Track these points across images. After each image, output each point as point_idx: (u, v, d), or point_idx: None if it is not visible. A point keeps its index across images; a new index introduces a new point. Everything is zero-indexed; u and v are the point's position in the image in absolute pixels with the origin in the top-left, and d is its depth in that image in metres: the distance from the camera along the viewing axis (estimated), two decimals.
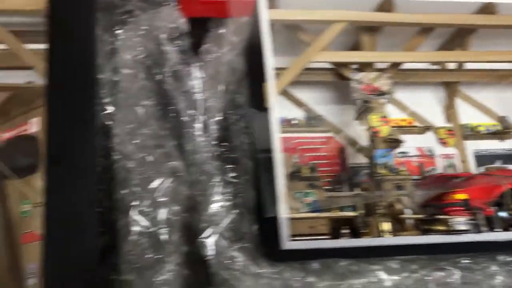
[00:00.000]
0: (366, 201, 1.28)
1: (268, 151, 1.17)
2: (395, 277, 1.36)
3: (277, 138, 1.22)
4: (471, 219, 1.28)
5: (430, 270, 1.43)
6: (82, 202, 1.09)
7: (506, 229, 1.29)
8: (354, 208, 1.25)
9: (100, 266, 1.10)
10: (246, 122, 1.40)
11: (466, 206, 1.31)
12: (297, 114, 1.67)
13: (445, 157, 1.71)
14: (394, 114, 1.73)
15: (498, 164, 1.73)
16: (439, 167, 1.69)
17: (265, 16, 1.33)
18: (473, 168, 1.70)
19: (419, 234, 1.24)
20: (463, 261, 1.48)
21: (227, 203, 1.29)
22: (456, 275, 1.45)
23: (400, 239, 1.18)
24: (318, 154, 1.61)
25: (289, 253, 1.10)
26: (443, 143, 1.70)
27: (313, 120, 1.64)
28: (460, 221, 1.27)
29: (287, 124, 1.64)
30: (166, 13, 1.49)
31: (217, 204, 1.29)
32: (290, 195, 1.16)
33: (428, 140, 1.72)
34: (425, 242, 1.20)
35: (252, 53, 1.33)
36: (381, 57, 1.40)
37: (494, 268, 1.51)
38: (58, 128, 1.12)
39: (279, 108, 1.63)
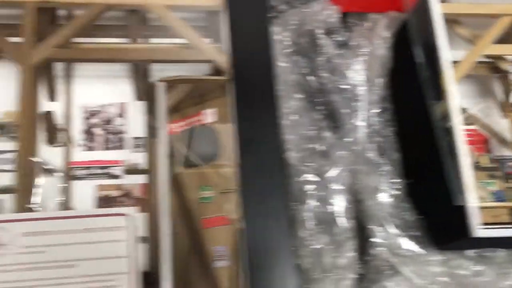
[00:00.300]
0: None
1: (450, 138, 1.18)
2: None
3: (459, 126, 1.21)
4: None
5: None
6: (273, 189, 1.15)
7: None
8: None
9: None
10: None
11: None
12: None
13: None
14: None
15: None
16: None
17: (437, 9, 1.33)
18: None
19: None
20: None
21: (396, 192, 1.32)
22: None
23: None
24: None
25: (474, 241, 1.11)
26: None
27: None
28: None
29: None
30: (319, 8, 1.53)
31: (384, 193, 1.32)
32: (475, 185, 1.17)
33: None
34: None
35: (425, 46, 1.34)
36: None
37: None
38: (246, 119, 1.18)
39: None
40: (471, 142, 1.54)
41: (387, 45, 1.56)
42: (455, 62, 1.33)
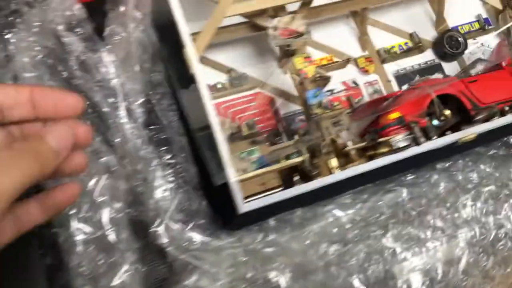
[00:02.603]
0: (309, 144, 1.28)
1: (202, 119, 1.11)
2: (350, 211, 1.39)
3: (209, 103, 1.16)
4: (409, 134, 1.33)
5: (380, 195, 1.48)
6: None
7: (440, 135, 1.35)
8: (299, 154, 1.24)
9: None
10: (172, 97, 1.33)
11: (401, 123, 1.35)
12: (219, 78, 1.62)
13: (369, 84, 1.75)
14: (314, 55, 1.74)
15: (417, 78, 1.81)
16: (366, 95, 1.73)
17: None
18: (396, 89, 1.76)
19: (366, 161, 1.26)
20: (408, 178, 1.55)
21: (171, 185, 1.24)
22: (404, 193, 1.51)
23: (348, 172, 1.19)
24: (250, 112, 1.57)
25: (246, 216, 1.07)
26: (365, 71, 1.73)
27: (237, 80, 1.59)
28: (399, 138, 1.32)
29: (212, 90, 1.58)
30: (58, 2, 1.35)
31: (160, 189, 1.23)
32: (235, 157, 1.12)
33: (350, 73, 1.75)
34: (372, 167, 1.23)
35: (164, 24, 1.25)
36: None
37: (435, 176, 1.60)
38: None
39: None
40: (224, 115, 1.51)
41: (143, 26, 1.44)
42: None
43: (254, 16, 1.40)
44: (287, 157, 1.21)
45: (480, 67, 1.54)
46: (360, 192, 1.40)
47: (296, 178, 1.20)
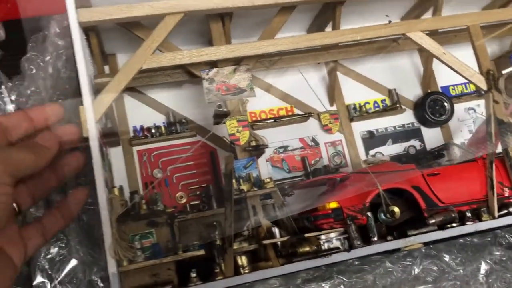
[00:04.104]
0: (222, 229, 1.09)
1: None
2: None
3: (99, 176, 0.99)
4: (344, 233, 1.13)
5: None
6: None
7: (384, 236, 1.14)
8: (204, 245, 1.06)
9: None
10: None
11: (338, 217, 1.15)
12: (155, 119, 1.43)
13: (331, 144, 1.54)
14: (273, 102, 1.54)
15: (389, 143, 1.59)
16: (325, 157, 1.52)
17: (73, 17, 1.05)
18: (362, 153, 1.55)
19: (282, 261, 1.07)
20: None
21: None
22: None
23: (257, 274, 1.01)
24: (185, 164, 1.39)
25: None
26: (328, 129, 1.52)
27: (174, 125, 1.40)
28: (330, 237, 1.12)
29: (145, 133, 1.40)
30: None
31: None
32: (123, 243, 0.95)
33: (311, 129, 1.54)
34: (285, 272, 1.04)
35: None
36: (228, 52, 1.15)
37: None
38: None
39: (136, 116, 1.40)
40: (153, 165, 1.33)
41: (65, 56, 1.26)
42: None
43: (189, 64, 1.19)
44: (185, 249, 1.03)
45: (453, 153, 1.31)
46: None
47: (193, 274, 1.02)
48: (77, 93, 1.23)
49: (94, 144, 0.99)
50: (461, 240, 1.48)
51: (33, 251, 0.91)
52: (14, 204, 0.87)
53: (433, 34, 1.30)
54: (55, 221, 0.97)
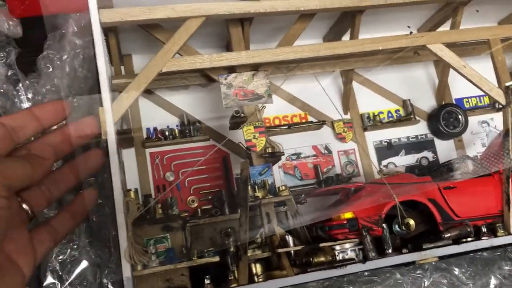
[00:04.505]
0: (236, 236, 1.08)
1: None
2: None
3: (117, 178, 0.98)
4: (359, 244, 1.12)
5: None
6: None
7: (397, 248, 1.13)
8: (220, 251, 1.05)
9: None
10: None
11: (353, 227, 1.14)
12: (169, 121, 1.42)
13: (344, 153, 1.53)
14: (286, 109, 1.53)
15: (402, 154, 1.58)
16: (337, 165, 1.51)
17: (96, 17, 1.04)
18: (375, 162, 1.54)
19: (296, 271, 1.06)
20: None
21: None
22: None
23: (270, 284, 1.00)
24: (198, 168, 1.38)
25: None
26: (341, 138, 1.51)
27: (188, 128, 1.39)
28: (344, 248, 1.11)
29: (159, 135, 1.39)
30: None
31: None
32: (138, 247, 0.94)
33: (325, 137, 1.53)
34: (301, 281, 1.03)
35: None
36: (249, 57, 1.14)
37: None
38: None
39: (149, 117, 1.39)
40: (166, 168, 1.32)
41: (81, 55, 1.26)
42: None
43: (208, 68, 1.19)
44: (200, 255, 1.01)
45: (467, 167, 1.31)
46: None
47: (206, 281, 1.01)
48: (93, 92, 1.23)
49: (112, 146, 0.98)
50: (471, 254, 1.47)
51: (43, 256, 0.87)
52: (27, 207, 0.84)
53: (451, 46, 1.29)
54: (65, 223, 0.94)
